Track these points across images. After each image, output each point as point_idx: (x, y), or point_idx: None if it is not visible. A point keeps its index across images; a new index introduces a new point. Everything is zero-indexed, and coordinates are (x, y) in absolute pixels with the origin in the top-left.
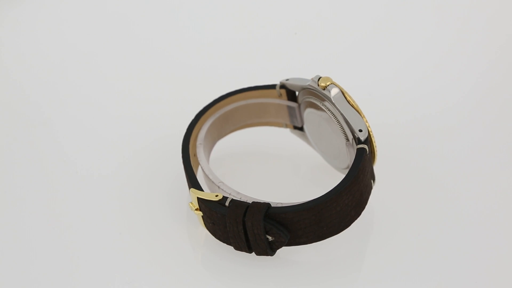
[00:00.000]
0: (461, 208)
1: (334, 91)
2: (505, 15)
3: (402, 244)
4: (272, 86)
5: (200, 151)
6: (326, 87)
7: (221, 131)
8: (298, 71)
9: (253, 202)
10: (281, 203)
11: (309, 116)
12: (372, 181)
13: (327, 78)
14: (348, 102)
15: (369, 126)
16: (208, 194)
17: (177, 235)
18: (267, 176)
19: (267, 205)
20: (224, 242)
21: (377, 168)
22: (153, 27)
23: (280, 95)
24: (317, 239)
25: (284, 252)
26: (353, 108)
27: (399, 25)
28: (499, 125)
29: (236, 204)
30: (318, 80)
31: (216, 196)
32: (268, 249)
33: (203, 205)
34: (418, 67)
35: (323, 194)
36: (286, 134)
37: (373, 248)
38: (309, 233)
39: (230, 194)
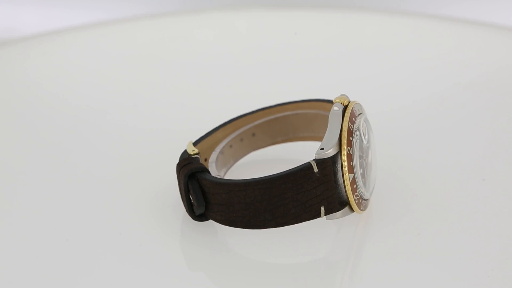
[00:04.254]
0: (461, 208)
1: (335, 108)
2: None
3: (401, 244)
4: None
5: (239, 131)
6: (334, 103)
7: (296, 128)
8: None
9: (196, 162)
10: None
11: None
12: (322, 208)
13: (341, 97)
14: (342, 124)
15: (346, 168)
16: (191, 147)
17: (178, 235)
18: None
19: (200, 167)
20: None
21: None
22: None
23: None
24: (228, 223)
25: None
26: (338, 130)
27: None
28: (500, 126)
29: (188, 159)
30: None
31: (193, 151)
32: (190, 210)
33: None
34: (416, 74)
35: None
36: None
37: (372, 247)
38: (222, 212)
39: (209, 158)
